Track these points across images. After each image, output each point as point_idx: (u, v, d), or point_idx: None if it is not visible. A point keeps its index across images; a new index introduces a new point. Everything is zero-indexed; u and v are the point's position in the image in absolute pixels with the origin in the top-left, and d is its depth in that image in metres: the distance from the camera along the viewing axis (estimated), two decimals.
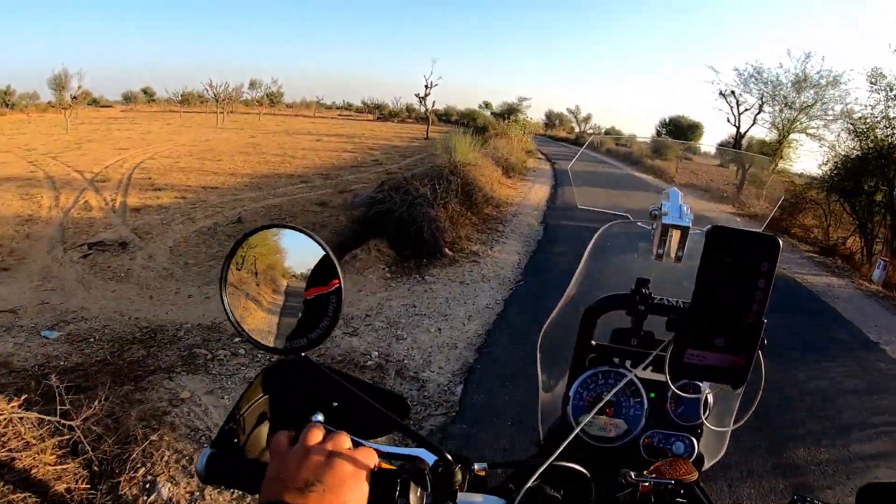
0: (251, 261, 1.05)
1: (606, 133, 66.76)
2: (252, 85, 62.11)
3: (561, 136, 68.75)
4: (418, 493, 0.78)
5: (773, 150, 19.10)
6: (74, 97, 40.61)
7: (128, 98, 75.26)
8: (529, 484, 0.87)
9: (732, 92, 20.03)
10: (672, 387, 1.05)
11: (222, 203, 13.01)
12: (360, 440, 0.87)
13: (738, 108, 20.24)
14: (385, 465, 0.81)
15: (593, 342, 1.21)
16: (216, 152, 24.37)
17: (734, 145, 21.18)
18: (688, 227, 1.15)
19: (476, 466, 0.91)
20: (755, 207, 16.72)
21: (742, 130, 20.42)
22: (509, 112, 43.00)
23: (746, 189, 19.72)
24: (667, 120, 53.71)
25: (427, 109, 42.27)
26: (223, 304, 0.98)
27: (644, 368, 1.13)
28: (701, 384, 1.18)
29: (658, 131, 53.02)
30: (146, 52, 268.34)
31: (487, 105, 58.77)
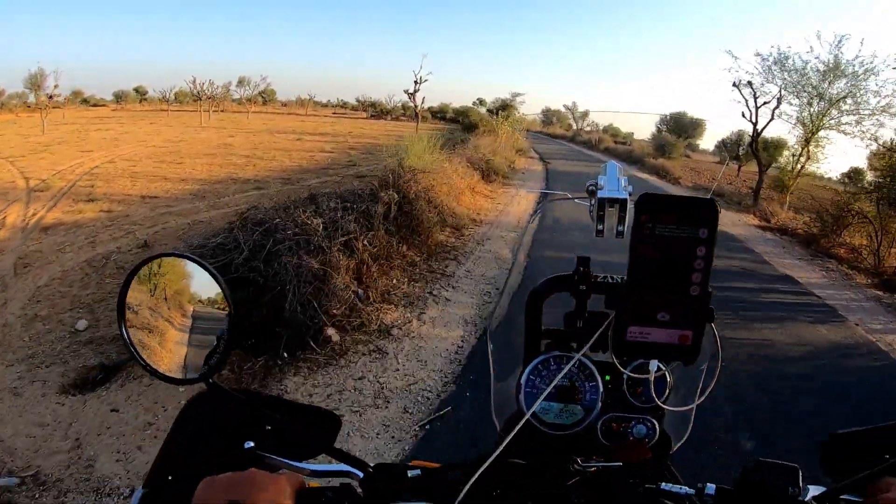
0: (151, 289, 1.03)
1: (604, 131, 65.07)
2: (241, 82, 60.03)
3: (558, 133, 66.23)
4: None
5: (799, 150, 16.31)
6: (51, 96, 39.33)
7: (119, 97, 73.91)
8: (465, 489, 0.80)
9: (749, 82, 16.77)
10: (621, 368, 1.03)
11: (148, 218, 11.82)
12: (294, 462, 0.90)
13: (755, 100, 16.99)
14: (313, 485, 0.82)
15: (543, 327, 1.16)
16: (182, 154, 23.62)
17: (751, 144, 18.32)
18: (625, 200, 0.99)
19: (409, 473, 0.87)
20: (783, 217, 14.44)
21: (760, 126, 17.28)
22: (502, 108, 40.15)
23: (766, 194, 17.22)
24: (667, 117, 50.94)
25: (416, 106, 39.84)
26: (124, 338, 0.97)
27: (593, 350, 1.09)
28: (650, 363, 1.08)
29: (659, 129, 49.65)
30: (141, 51, 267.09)
31: (481, 102, 56.40)
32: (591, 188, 1.04)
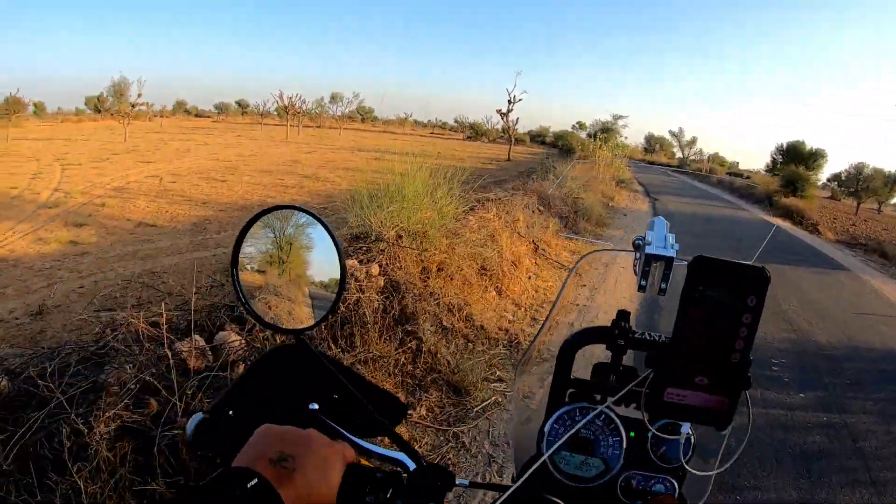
0: (263, 241, 1.04)
1: (708, 160, 59.02)
2: (333, 99, 58.11)
3: (661, 161, 60.04)
4: (388, 496, 0.79)
5: None
6: (133, 105, 39.78)
7: (220, 109, 74.79)
8: None
9: None
10: (650, 426, 1.00)
11: (104, 261, 10.16)
12: (349, 435, 0.89)
13: None
14: (365, 463, 0.83)
15: (572, 377, 1.09)
16: (238, 170, 22.66)
17: None
18: (672, 258, 0.96)
19: (457, 482, 0.89)
20: None
21: None
22: (602, 132, 35.27)
23: None
24: (783, 146, 44.71)
25: (510, 127, 35.86)
26: (233, 282, 0.99)
27: (622, 405, 1.03)
28: (682, 424, 1.03)
29: (774, 159, 44.45)
30: (249, 66, 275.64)
31: (581, 125, 51.93)
32: (637, 243, 1.01)
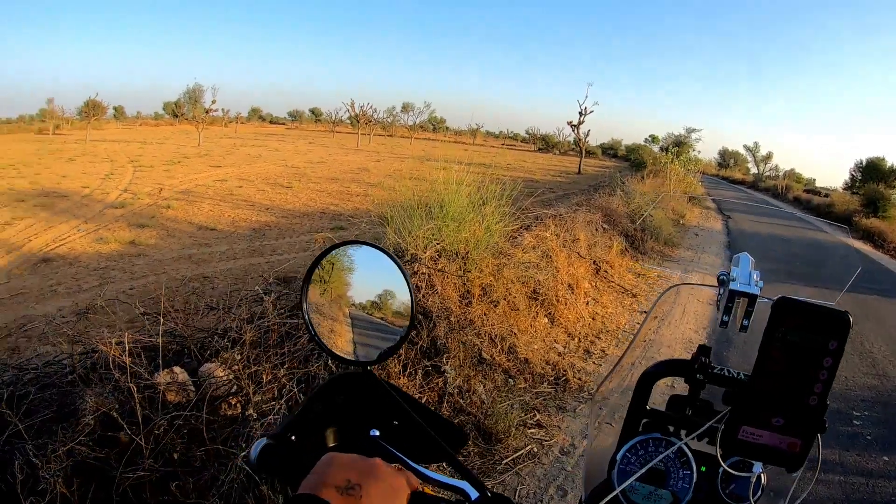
0: (329, 276, 1.08)
1: (783, 177, 56.37)
2: (405, 108, 58.69)
3: (736, 177, 57.37)
4: None
5: None
6: (207, 110, 41.62)
7: (294, 116, 76.80)
8: None
9: None
10: (722, 463, 0.99)
11: (158, 263, 10.18)
12: (411, 462, 0.87)
13: None
14: (428, 491, 0.82)
15: (648, 407, 1.08)
16: (305, 177, 22.87)
17: None
18: (755, 296, 0.95)
19: None
20: None
21: None
22: (675, 146, 33.90)
23: None
24: (862, 163, 42.24)
25: (581, 139, 35.06)
26: (303, 316, 1.02)
27: (697, 439, 1.03)
28: (754, 463, 1.03)
29: (853, 177, 42.19)
30: (329, 73, 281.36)
31: (654, 139, 50.53)
32: (722, 278, 1.01)
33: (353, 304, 1.05)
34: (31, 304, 7.91)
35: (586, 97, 35.37)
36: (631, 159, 44.53)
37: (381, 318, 1.02)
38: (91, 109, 43.32)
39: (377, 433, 0.91)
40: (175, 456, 2.46)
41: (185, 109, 45.18)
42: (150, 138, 43.33)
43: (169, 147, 35.33)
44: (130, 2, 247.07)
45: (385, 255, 0.98)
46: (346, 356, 1.00)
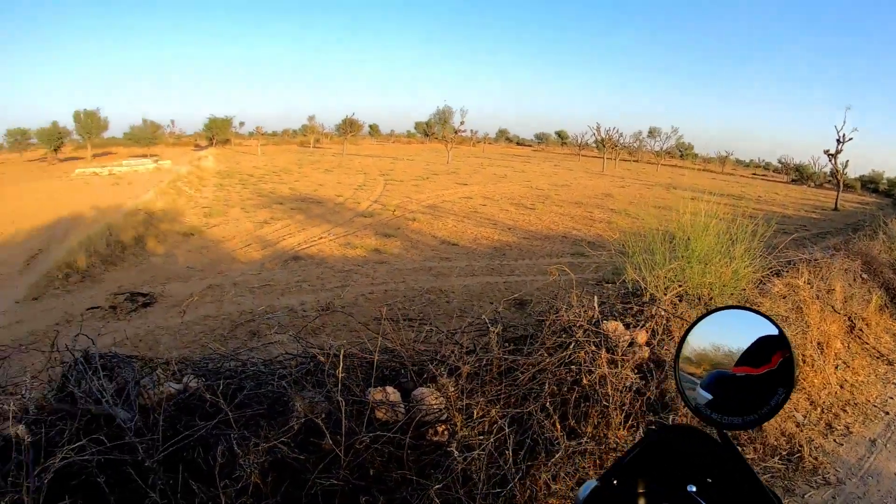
0: (703, 336, 1.11)
1: None
2: (651, 133, 56.19)
3: None
4: None
5: None
6: (455, 131, 44.19)
7: (540, 138, 77.81)
8: None
9: None
10: None
11: (398, 272, 10.74)
12: None
13: None
14: None
15: None
16: (549, 199, 22.93)
17: None
18: None
19: None
20: None
21: None
22: None
23: None
24: None
25: (837, 171, 30.74)
26: (675, 372, 1.11)
27: None
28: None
29: None
30: (571, 95, 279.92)
31: None
32: None
33: (713, 363, 1.06)
34: (277, 296, 8.70)
35: (844, 122, 30.44)
36: (894, 195, 38.36)
37: (743, 376, 1.02)
38: (348, 126, 48.93)
39: (694, 489, 0.90)
40: (371, 472, 2.50)
41: (435, 129, 47.96)
42: (402, 155, 47.09)
43: (419, 163, 37.94)
44: (391, 36, 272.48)
45: (767, 321, 1.01)
46: (713, 417, 1.01)
